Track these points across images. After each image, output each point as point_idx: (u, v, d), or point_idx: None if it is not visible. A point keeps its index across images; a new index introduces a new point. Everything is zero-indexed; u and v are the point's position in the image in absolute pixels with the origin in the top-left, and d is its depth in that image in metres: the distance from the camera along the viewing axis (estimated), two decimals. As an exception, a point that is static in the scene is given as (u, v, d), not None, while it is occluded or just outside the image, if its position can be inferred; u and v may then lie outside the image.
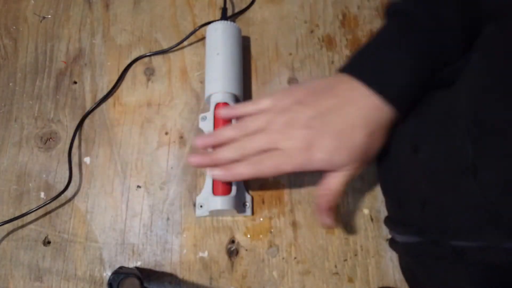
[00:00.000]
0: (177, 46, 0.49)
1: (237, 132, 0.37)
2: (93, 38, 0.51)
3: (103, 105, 0.48)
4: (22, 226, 0.43)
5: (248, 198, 0.43)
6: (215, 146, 0.38)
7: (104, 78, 0.49)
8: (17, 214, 0.43)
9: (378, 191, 0.43)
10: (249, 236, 0.42)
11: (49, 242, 0.43)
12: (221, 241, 0.42)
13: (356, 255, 0.41)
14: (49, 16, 0.53)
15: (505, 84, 0.27)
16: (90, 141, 0.46)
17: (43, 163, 0.46)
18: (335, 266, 0.41)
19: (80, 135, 0.47)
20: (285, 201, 0.43)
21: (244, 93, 0.46)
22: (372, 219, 0.42)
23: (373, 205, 0.43)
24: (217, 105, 0.43)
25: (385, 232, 0.41)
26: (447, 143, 0.30)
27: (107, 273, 0.41)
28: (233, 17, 0.51)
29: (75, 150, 0.46)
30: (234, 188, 0.40)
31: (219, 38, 0.45)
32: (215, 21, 0.47)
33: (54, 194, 0.43)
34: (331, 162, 0.34)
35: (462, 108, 0.29)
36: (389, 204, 0.39)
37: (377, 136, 0.35)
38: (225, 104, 0.43)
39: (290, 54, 0.49)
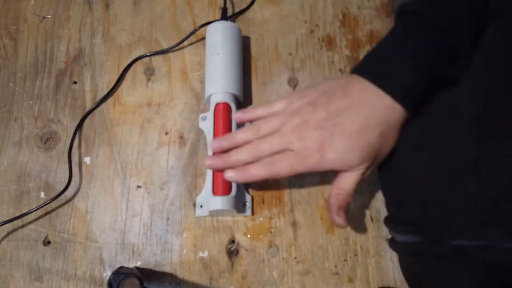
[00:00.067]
0: (177, 46, 0.49)
1: (251, 134, 0.37)
2: (93, 38, 0.51)
3: (103, 105, 0.48)
4: (22, 226, 0.43)
5: (248, 198, 0.43)
6: (230, 149, 0.38)
7: (104, 78, 0.49)
8: (17, 214, 0.43)
9: (378, 191, 0.43)
10: (249, 236, 0.42)
11: (49, 242, 0.43)
12: (221, 241, 0.42)
13: (356, 255, 0.41)
14: (49, 16, 0.53)
15: (506, 84, 0.27)
16: (90, 141, 0.46)
17: (43, 163, 0.46)
18: (335, 266, 0.41)
19: (80, 135, 0.47)
20: (285, 201, 0.43)
21: (244, 93, 0.46)
22: (372, 219, 0.42)
23: (373, 205, 0.43)
24: (217, 105, 0.43)
25: (385, 232, 0.41)
26: (449, 143, 0.30)
27: (107, 273, 0.41)
28: (233, 17, 0.51)
29: (75, 150, 0.46)
30: (234, 188, 0.40)
31: (219, 38, 0.45)
32: (215, 21, 0.47)
33: (54, 194, 0.43)
34: (344, 162, 0.34)
35: (463, 108, 0.30)
36: (389, 204, 0.39)
37: (389, 135, 0.35)
38: (225, 104, 0.43)
39: (290, 54, 0.49)
